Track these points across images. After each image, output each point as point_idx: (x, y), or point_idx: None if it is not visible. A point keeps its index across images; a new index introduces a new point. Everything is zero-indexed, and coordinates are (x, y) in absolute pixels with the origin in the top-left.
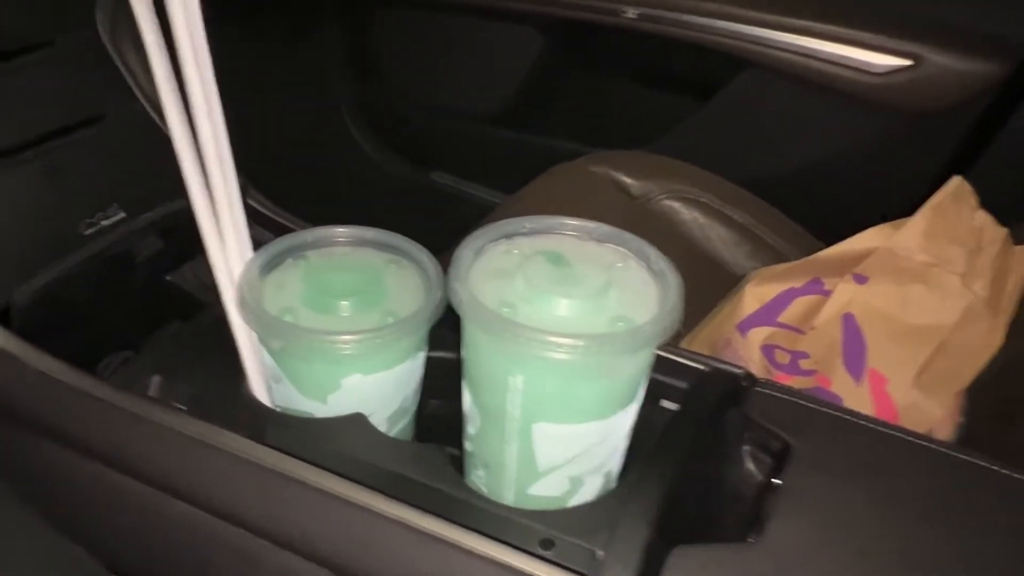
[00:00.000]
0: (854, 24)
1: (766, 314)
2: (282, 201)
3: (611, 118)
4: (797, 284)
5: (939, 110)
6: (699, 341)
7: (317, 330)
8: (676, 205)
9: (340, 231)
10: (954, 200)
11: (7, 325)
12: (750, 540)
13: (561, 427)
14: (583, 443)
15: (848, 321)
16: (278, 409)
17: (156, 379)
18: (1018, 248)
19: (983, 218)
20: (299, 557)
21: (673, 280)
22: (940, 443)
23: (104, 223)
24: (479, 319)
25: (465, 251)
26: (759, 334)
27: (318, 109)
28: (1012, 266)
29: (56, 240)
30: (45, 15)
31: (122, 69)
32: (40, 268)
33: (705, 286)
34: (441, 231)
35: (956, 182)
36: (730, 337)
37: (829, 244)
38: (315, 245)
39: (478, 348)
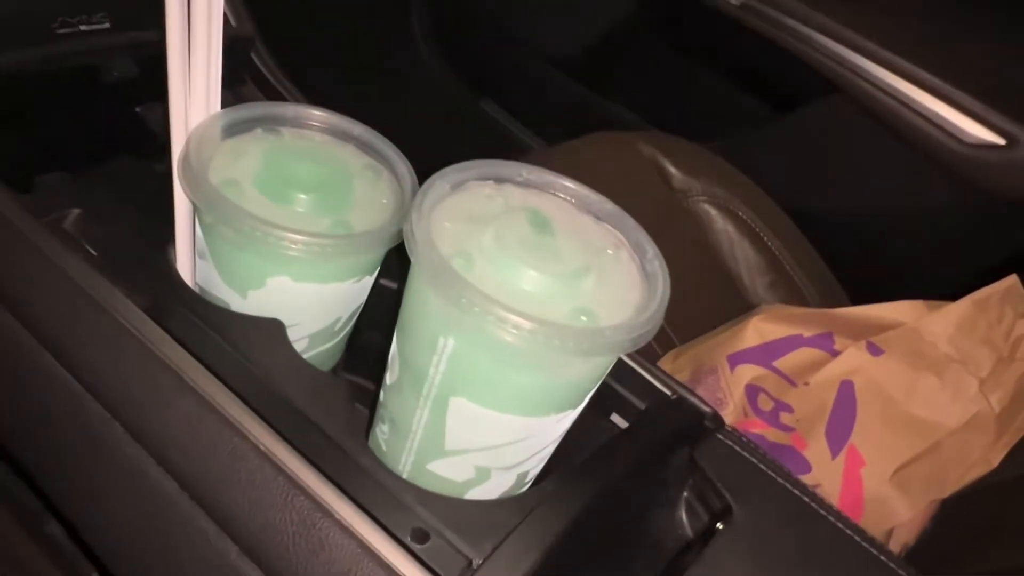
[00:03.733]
0: (961, 85)
1: (763, 354)
2: (300, 74)
3: (679, 101)
4: (806, 332)
5: (1020, 200)
6: (685, 359)
7: (255, 216)
8: (712, 212)
9: (323, 116)
10: (1001, 300)
11: None
12: None
13: (482, 410)
14: (502, 436)
15: (845, 388)
16: (194, 287)
17: (76, 212)
18: None
19: None
20: (150, 457)
21: (662, 287)
22: (892, 558)
23: (83, 27)
24: (424, 262)
25: (440, 181)
26: (748, 371)
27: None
28: None
29: (23, 31)
30: None
31: None
32: None
33: (714, 305)
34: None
35: (1010, 281)
36: (717, 366)
37: (854, 303)
38: (292, 123)
39: (416, 294)
